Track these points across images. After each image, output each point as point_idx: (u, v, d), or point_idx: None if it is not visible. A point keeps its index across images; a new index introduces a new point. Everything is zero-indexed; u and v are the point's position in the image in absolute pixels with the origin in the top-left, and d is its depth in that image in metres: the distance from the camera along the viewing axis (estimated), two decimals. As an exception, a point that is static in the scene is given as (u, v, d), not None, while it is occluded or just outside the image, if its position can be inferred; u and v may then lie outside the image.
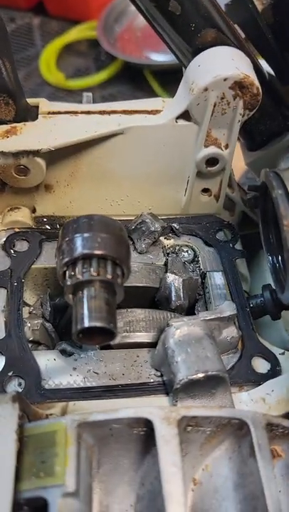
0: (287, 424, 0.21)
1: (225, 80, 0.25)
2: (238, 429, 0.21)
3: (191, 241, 0.31)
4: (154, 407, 0.19)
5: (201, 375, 0.23)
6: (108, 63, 0.81)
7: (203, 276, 0.30)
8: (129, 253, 0.24)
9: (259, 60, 0.30)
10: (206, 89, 0.26)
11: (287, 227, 0.19)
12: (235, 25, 0.27)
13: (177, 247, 0.31)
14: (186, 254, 0.31)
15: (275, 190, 0.20)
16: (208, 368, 0.23)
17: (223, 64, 0.26)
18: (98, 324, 0.20)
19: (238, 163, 0.34)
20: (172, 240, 0.31)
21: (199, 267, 0.30)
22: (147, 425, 0.19)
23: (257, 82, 0.26)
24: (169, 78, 0.69)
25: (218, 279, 0.30)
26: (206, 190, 0.31)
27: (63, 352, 0.27)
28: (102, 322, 0.20)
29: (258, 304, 0.29)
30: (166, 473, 0.18)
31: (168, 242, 0.31)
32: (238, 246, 0.32)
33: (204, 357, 0.23)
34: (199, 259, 0.30)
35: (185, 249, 0.31)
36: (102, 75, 0.79)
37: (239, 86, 0.26)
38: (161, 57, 0.75)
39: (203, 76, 0.26)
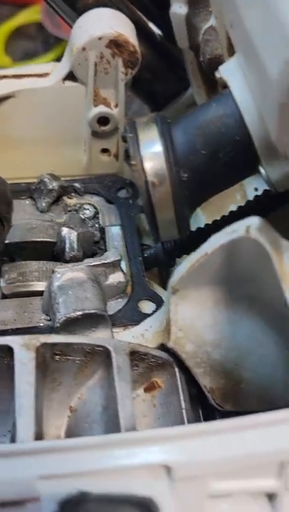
0: (156, 354, 0.23)
1: (100, 38, 0.27)
2: (106, 357, 0.22)
3: (93, 200, 0.33)
4: (15, 337, 0.21)
5: (78, 313, 0.24)
6: (55, 44, 0.82)
7: (103, 231, 0.31)
8: (10, 208, 0.25)
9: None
10: (84, 49, 0.27)
11: (135, 167, 0.21)
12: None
13: (78, 205, 0.32)
14: (87, 211, 0.32)
15: (127, 133, 0.22)
16: (86, 307, 0.25)
17: (98, 24, 0.27)
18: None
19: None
20: (75, 199, 0.33)
21: (98, 222, 0.32)
22: (11, 354, 0.21)
23: (132, 40, 0.27)
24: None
25: (115, 232, 0.31)
26: (105, 151, 0.33)
27: None
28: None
29: (151, 254, 0.30)
30: (19, 389, 0.19)
31: (70, 201, 0.33)
32: (139, 202, 0.34)
33: (84, 298, 0.25)
34: (99, 215, 0.32)
35: (86, 207, 0.32)
36: (49, 57, 0.80)
37: (115, 44, 0.27)
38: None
39: (81, 36, 0.27)
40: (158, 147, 0.21)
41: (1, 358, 0.22)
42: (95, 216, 0.32)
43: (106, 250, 0.31)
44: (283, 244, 0.18)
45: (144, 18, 0.31)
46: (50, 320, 0.27)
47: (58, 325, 0.25)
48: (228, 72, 0.22)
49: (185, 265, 0.21)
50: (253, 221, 0.18)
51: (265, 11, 0.17)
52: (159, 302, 0.28)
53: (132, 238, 0.30)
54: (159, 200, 0.22)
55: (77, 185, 0.33)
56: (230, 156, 0.21)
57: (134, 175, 0.22)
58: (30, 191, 0.31)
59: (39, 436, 0.19)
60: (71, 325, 0.26)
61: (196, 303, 0.23)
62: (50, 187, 0.31)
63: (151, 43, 0.31)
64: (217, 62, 0.25)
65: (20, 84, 0.29)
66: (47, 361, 0.22)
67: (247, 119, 0.20)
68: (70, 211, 0.32)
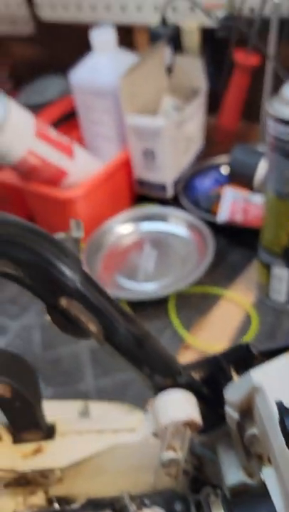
0: None
1: (178, 421, 0.40)
2: None
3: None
4: None
5: None
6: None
7: None
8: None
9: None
10: (165, 428, 0.40)
11: None
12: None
13: None
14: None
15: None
16: None
17: (178, 409, 0.41)
18: None
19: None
20: (144, 512, 0.44)
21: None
22: None
23: (199, 421, 0.41)
24: (147, 307, 0.87)
25: None
26: (167, 474, 0.45)
27: None
28: None
29: None
30: None
31: (141, 516, 0.43)
32: (191, 516, 0.45)
33: None
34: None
35: (153, 522, 0.43)
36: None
37: (188, 423, 0.41)
38: (133, 284, 0.93)
39: (165, 417, 0.40)
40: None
41: None
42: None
43: None
44: None
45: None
46: None
47: None
48: (269, 480, 0.34)
49: None
50: None
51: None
52: None
53: None
54: None
55: (145, 500, 0.44)
56: None
57: None
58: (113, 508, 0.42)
59: None
60: None
61: None
62: (131, 510, 0.42)
63: (203, 399, 0.44)
64: (259, 456, 0.38)
65: (117, 438, 0.42)
66: None
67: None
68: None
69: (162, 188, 1.09)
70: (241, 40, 1.08)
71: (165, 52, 1.13)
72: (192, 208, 1.04)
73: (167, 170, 1.06)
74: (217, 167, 1.18)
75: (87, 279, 0.37)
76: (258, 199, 0.98)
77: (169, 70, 1.16)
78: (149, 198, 1.14)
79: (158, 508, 0.46)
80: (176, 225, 1.04)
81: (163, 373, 0.42)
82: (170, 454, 0.44)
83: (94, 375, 0.77)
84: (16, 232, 0.34)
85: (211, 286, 0.92)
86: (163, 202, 1.11)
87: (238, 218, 0.97)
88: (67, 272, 0.36)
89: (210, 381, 0.42)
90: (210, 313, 0.86)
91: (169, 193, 1.10)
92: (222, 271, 0.94)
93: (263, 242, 0.82)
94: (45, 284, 0.35)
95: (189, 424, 0.40)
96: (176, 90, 1.16)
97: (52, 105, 1.22)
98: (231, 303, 0.88)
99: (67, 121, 1.20)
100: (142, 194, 1.14)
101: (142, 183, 1.11)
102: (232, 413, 0.40)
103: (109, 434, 0.42)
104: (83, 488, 0.43)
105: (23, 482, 0.40)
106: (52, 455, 0.40)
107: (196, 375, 0.42)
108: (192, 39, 1.15)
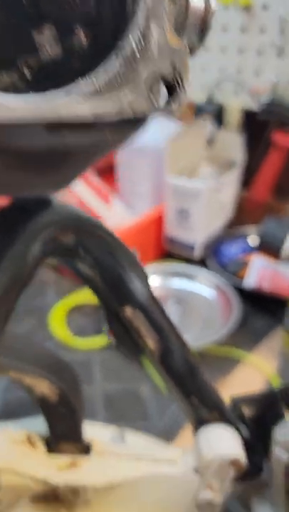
0: None
1: (224, 456, 0.38)
2: None
3: None
4: None
5: None
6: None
7: None
8: None
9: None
10: (210, 462, 0.38)
11: None
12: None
13: None
14: None
15: None
16: None
17: (224, 445, 0.39)
18: None
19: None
20: None
21: None
22: None
23: (244, 461, 0.39)
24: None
25: None
26: None
27: None
28: None
29: None
30: None
31: None
32: None
33: None
34: None
35: None
36: (103, 340, 0.96)
37: (232, 462, 0.39)
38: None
39: (210, 451, 0.39)
40: None
41: None
42: None
43: None
44: None
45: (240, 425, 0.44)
46: None
47: None
48: None
49: None
50: None
51: None
52: None
53: None
54: None
55: None
56: None
57: None
58: None
59: None
60: None
61: None
62: None
63: (243, 441, 0.42)
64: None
65: (157, 467, 0.40)
66: None
67: None
68: None
69: (191, 247, 1.11)
70: (281, 122, 1.16)
71: (208, 125, 1.21)
72: (219, 270, 1.06)
73: (199, 231, 1.09)
74: (245, 237, 1.21)
75: (153, 295, 0.38)
76: (286, 269, 1.00)
77: (210, 142, 1.23)
78: (176, 257, 1.15)
79: None
80: (203, 285, 1.05)
81: (210, 406, 0.40)
82: (208, 494, 0.41)
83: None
84: (104, 235, 0.35)
85: (234, 349, 0.90)
86: (190, 262, 1.12)
87: (266, 285, 0.98)
88: (138, 282, 0.36)
89: (259, 420, 0.40)
90: (231, 376, 0.84)
91: (197, 253, 1.12)
92: (245, 335, 0.94)
93: (291, 310, 0.82)
94: (116, 289, 0.36)
95: (234, 464, 0.38)
96: (215, 161, 1.23)
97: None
98: (253, 368, 0.86)
99: (107, 174, 1.25)
100: (170, 253, 1.16)
101: (172, 240, 1.13)
102: (282, 455, 0.38)
103: (149, 463, 0.40)
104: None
105: (50, 497, 0.37)
106: (88, 472, 0.38)
107: (247, 411, 0.40)
108: (234, 118, 1.24)
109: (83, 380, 0.87)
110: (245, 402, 0.40)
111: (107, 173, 1.26)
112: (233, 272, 1.07)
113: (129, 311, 0.36)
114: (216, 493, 0.39)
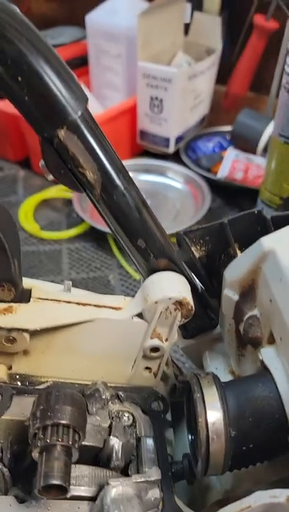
0: None
1: (170, 298, 0.36)
2: None
3: (132, 407, 0.39)
4: None
5: (128, 530, 0.29)
6: (78, 222, 0.95)
7: (138, 440, 0.37)
8: (86, 421, 0.32)
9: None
10: (156, 302, 0.36)
11: (200, 423, 0.28)
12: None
13: (120, 412, 0.39)
14: (126, 418, 0.39)
15: (195, 393, 0.29)
16: (134, 525, 0.29)
17: (169, 286, 0.37)
18: (58, 482, 0.27)
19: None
20: (117, 405, 0.39)
21: (136, 432, 0.38)
22: None
23: (191, 302, 0.37)
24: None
25: (149, 444, 0.37)
26: (147, 368, 0.40)
27: (16, 497, 0.32)
28: (61, 481, 0.27)
29: (178, 470, 0.36)
30: None
31: (113, 407, 0.39)
32: (168, 416, 0.40)
33: (132, 514, 0.30)
34: (136, 424, 0.38)
35: (126, 415, 0.39)
36: (72, 232, 0.93)
37: (179, 303, 0.36)
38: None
39: (155, 293, 0.36)
40: (218, 408, 0.29)
41: None
42: (132, 425, 0.39)
43: (138, 459, 0.37)
44: None
45: (193, 276, 0.42)
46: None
47: (108, 538, 0.29)
48: (269, 359, 0.31)
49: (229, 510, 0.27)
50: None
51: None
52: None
53: (164, 453, 0.36)
54: (214, 451, 0.29)
55: (120, 393, 0.40)
56: (270, 426, 0.29)
57: (198, 429, 0.29)
58: (83, 395, 0.38)
59: None
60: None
61: None
62: (104, 396, 0.37)
63: (195, 293, 0.41)
64: (256, 340, 0.34)
65: (100, 312, 0.38)
66: None
67: (286, 407, 0.28)
68: (112, 417, 0.38)
69: (165, 141, 1.05)
70: (261, 7, 1.06)
71: (185, 8, 1.10)
72: (192, 165, 1.01)
73: (172, 124, 1.03)
74: (223, 133, 1.15)
75: (92, 118, 0.33)
76: (260, 160, 0.95)
77: (187, 27, 1.13)
78: (149, 153, 1.10)
79: (133, 404, 0.41)
80: (176, 179, 1.00)
81: (158, 251, 0.37)
82: (155, 341, 0.40)
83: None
84: (33, 37, 0.29)
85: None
86: (163, 157, 1.07)
87: (238, 176, 0.94)
88: (73, 101, 0.31)
89: (208, 259, 0.38)
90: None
91: (171, 147, 1.06)
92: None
93: (262, 196, 0.79)
94: (46, 108, 0.31)
95: (181, 305, 0.37)
96: (191, 49, 1.13)
97: (63, 48, 1.18)
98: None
99: (77, 66, 1.16)
100: (143, 148, 1.10)
101: (144, 134, 1.07)
102: (231, 295, 0.36)
103: (92, 308, 0.38)
104: (50, 369, 0.38)
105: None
106: (23, 316, 0.35)
107: (198, 253, 0.38)
108: (213, -1, 1.13)
109: (52, 270, 0.86)
110: (196, 236, 0.37)
111: (78, 66, 1.16)
112: (207, 166, 1.02)
113: (62, 134, 0.32)
114: (163, 342, 0.38)
